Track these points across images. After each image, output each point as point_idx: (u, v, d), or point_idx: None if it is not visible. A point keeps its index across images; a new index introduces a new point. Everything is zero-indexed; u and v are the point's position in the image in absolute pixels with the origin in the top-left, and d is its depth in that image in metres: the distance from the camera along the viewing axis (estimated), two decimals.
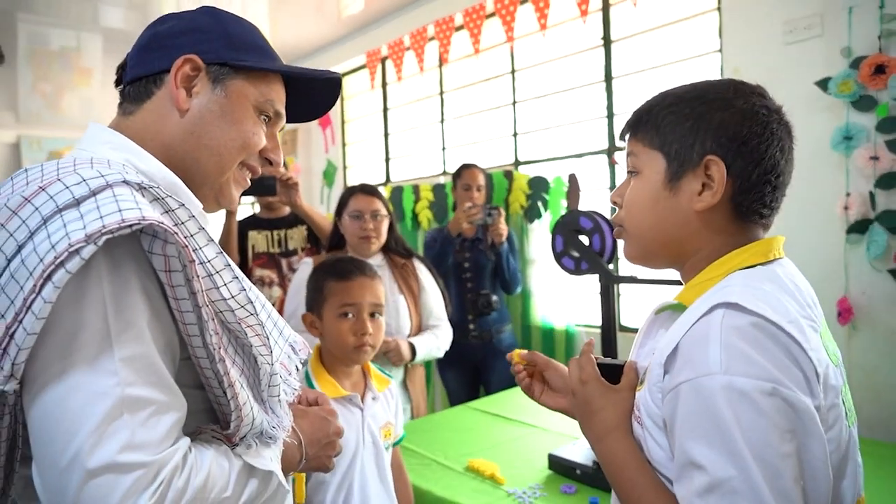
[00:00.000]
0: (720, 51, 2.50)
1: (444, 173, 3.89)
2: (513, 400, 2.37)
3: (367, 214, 2.05)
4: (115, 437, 0.57)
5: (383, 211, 2.10)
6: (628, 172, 0.80)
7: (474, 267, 2.83)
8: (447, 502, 1.51)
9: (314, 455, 0.89)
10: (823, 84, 2.10)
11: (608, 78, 2.97)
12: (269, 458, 0.75)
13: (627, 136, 0.81)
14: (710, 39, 2.59)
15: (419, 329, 2.14)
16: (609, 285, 1.69)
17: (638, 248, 0.80)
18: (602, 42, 2.99)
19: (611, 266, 1.70)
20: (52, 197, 0.60)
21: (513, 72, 3.46)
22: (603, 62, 2.99)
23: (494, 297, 2.74)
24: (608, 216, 1.76)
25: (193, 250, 0.65)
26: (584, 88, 3.11)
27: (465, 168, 2.90)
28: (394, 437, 1.45)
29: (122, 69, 0.81)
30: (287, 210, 2.65)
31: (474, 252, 2.84)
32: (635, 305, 2.80)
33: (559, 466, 1.62)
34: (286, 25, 4.24)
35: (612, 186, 2.96)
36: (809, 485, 0.61)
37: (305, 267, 2.15)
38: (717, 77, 2.46)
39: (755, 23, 2.34)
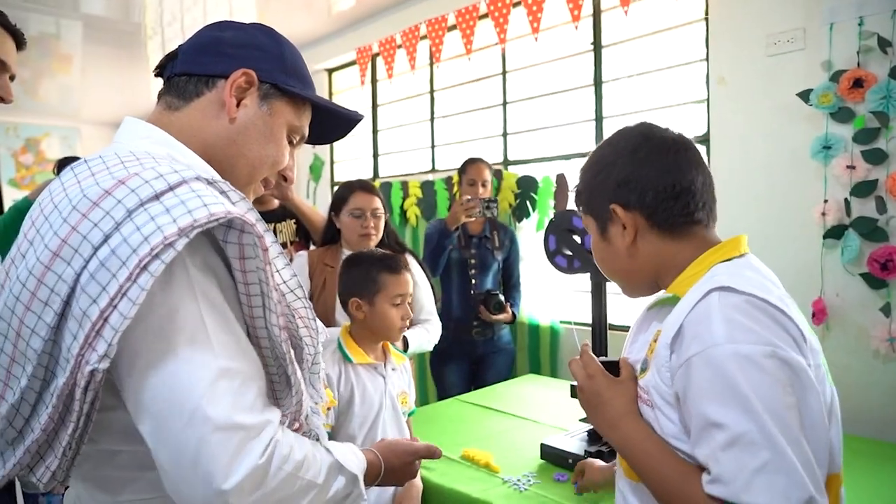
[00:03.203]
0: (706, 60, 2.59)
1: (433, 170, 3.94)
2: (502, 393, 2.44)
3: (368, 212, 2.10)
4: (222, 401, 0.64)
5: (382, 209, 2.15)
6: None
7: (480, 265, 2.87)
8: (445, 489, 1.57)
9: (394, 469, 0.95)
10: (804, 95, 2.20)
11: (597, 82, 3.05)
12: (355, 465, 0.82)
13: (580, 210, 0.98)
14: (696, 48, 2.68)
15: (410, 323, 2.19)
16: (600, 283, 1.76)
17: (623, 288, 0.96)
18: (592, 47, 3.07)
19: None
20: (133, 191, 0.65)
21: (504, 73, 3.52)
22: (593, 67, 3.06)
23: (502, 298, 2.79)
24: None
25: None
26: (573, 91, 3.18)
27: (471, 162, 2.90)
28: (408, 407, 1.66)
29: (170, 59, 0.84)
30: (276, 203, 2.67)
31: (481, 250, 2.88)
32: (622, 304, 2.89)
33: (551, 455, 1.69)
34: (275, 19, 4.24)
35: None
36: (809, 433, 0.70)
37: (299, 259, 2.21)
38: (702, 85, 2.57)
39: (740, 34, 2.43)
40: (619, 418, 0.84)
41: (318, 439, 0.83)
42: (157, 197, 0.65)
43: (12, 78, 1.33)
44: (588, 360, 0.91)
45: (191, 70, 0.81)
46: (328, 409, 1.48)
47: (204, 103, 0.81)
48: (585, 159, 0.96)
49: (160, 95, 0.84)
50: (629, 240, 0.87)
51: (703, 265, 0.83)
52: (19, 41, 1.31)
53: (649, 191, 0.85)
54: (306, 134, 0.90)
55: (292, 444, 0.71)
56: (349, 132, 0.98)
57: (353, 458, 0.83)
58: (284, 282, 0.76)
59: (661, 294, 0.88)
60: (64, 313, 0.64)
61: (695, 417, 0.73)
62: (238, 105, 0.80)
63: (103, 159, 0.71)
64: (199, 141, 0.80)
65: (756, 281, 0.77)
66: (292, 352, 0.74)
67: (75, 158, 2.16)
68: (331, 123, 0.94)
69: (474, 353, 2.88)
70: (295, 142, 0.88)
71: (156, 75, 0.86)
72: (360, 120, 0.95)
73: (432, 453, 1.02)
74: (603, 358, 0.92)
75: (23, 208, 1.81)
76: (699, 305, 0.76)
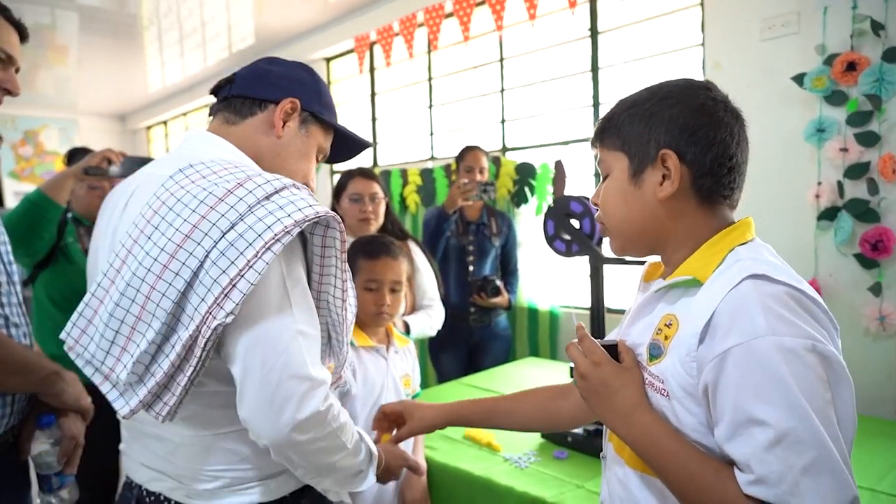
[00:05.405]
0: (702, 45, 2.61)
1: (432, 158, 3.96)
2: (503, 376, 2.48)
3: (367, 197, 2.13)
4: (297, 355, 0.84)
5: (381, 194, 2.18)
6: (603, 178, 0.88)
7: (478, 251, 2.89)
8: (449, 467, 1.62)
9: (389, 468, 1.17)
10: (799, 79, 2.23)
11: (594, 68, 3.07)
12: (373, 447, 1.04)
13: (597, 145, 0.88)
14: (692, 34, 2.70)
15: (413, 308, 2.22)
16: (598, 267, 1.80)
17: (618, 240, 0.87)
18: (589, 33, 3.08)
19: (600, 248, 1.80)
20: (251, 192, 0.83)
21: (501, 60, 3.53)
22: (590, 53, 3.08)
23: (499, 283, 2.82)
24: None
25: None
26: (570, 78, 3.20)
27: (469, 150, 2.91)
28: (412, 389, 1.69)
29: (227, 82, 1.03)
30: None
31: (479, 236, 2.90)
32: (620, 288, 2.93)
33: (551, 434, 1.73)
34: (272, 8, 4.23)
35: (597, 173, 3.07)
36: (841, 426, 0.68)
37: None
38: (698, 70, 2.59)
39: (735, 19, 2.45)
40: (633, 409, 0.78)
41: (348, 391, 1.05)
42: (268, 197, 0.84)
43: (17, 71, 1.36)
44: (591, 345, 0.83)
45: (247, 94, 1.01)
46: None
47: (256, 122, 1.00)
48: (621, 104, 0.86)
49: (217, 111, 1.04)
50: (667, 193, 0.79)
51: (721, 246, 0.78)
52: (22, 34, 1.33)
53: (711, 152, 0.78)
54: (328, 154, 1.10)
55: (340, 408, 0.90)
56: (356, 155, 1.17)
57: (371, 442, 1.02)
58: None
59: (678, 277, 0.79)
60: (191, 282, 0.80)
61: (730, 412, 0.68)
62: (283, 126, 1.00)
63: (206, 165, 0.89)
64: (253, 151, 0.99)
65: (784, 268, 0.74)
66: (347, 319, 0.97)
67: (85, 150, 2.19)
68: (344, 147, 1.13)
69: (471, 340, 2.91)
70: (319, 159, 1.08)
71: (210, 93, 1.06)
72: (368, 146, 1.16)
73: (416, 470, 1.26)
74: (601, 340, 0.85)
75: (35, 200, 1.84)
76: (733, 294, 0.70)
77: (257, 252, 0.79)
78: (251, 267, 0.79)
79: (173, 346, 0.81)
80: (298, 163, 1.03)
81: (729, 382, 0.68)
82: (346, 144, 1.13)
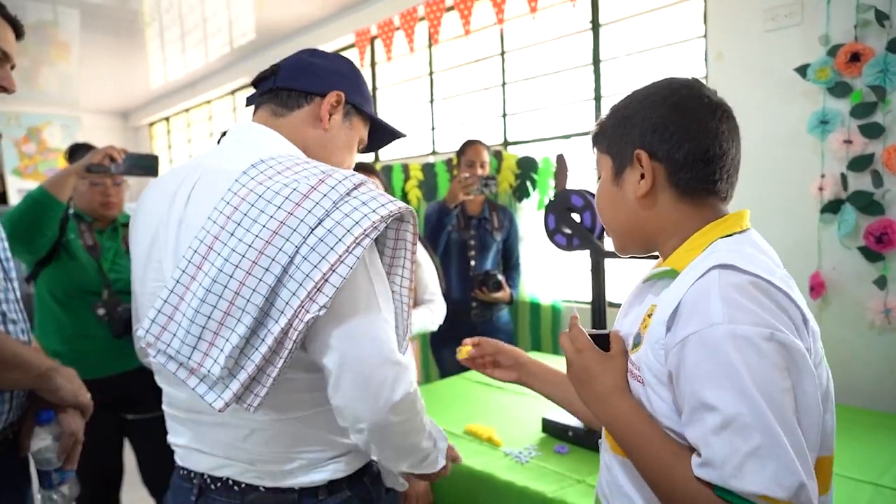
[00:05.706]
0: (704, 36, 2.59)
1: (434, 153, 3.95)
2: None
3: None
4: (386, 343, 0.87)
5: (381, 188, 2.18)
6: (597, 180, 0.93)
7: (480, 246, 2.88)
8: None
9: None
10: (802, 70, 2.21)
11: (596, 61, 3.05)
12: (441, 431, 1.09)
13: (594, 149, 0.92)
14: (695, 25, 2.67)
15: (414, 303, 2.22)
16: (599, 260, 1.79)
17: (617, 241, 0.91)
18: (590, 26, 3.06)
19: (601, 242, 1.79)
20: (333, 188, 0.86)
21: (502, 53, 3.51)
22: (591, 45, 3.06)
23: (501, 277, 2.81)
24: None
25: None
26: (572, 71, 3.18)
27: (470, 144, 2.90)
28: None
29: (272, 73, 1.04)
30: None
31: (480, 231, 2.89)
32: (620, 282, 2.92)
33: (552, 429, 1.73)
34: (272, 4, 4.22)
35: None
36: (803, 417, 0.69)
37: None
38: (700, 62, 2.57)
39: (738, 10, 2.43)
40: (609, 394, 0.82)
41: None
42: (349, 193, 0.86)
43: (12, 68, 1.35)
44: (577, 333, 0.88)
45: (293, 86, 1.02)
46: None
47: (303, 114, 1.02)
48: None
49: (261, 103, 1.05)
50: (643, 191, 0.83)
51: (705, 239, 0.80)
52: (18, 31, 1.33)
53: (683, 148, 0.80)
54: (366, 144, 1.13)
55: (420, 396, 0.94)
56: (387, 144, 1.20)
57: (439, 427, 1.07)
58: None
59: (660, 268, 0.83)
60: (280, 277, 0.82)
61: (687, 398, 0.71)
62: (329, 118, 1.02)
63: (278, 161, 0.91)
64: (301, 143, 1.01)
65: (758, 259, 0.74)
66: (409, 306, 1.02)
67: (86, 147, 2.19)
68: (377, 136, 1.16)
69: (473, 334, 2.87)
70: (359, 149, 1.11)
71: (252, 84, 1.08)
72: (403, 136, 1.18)
73: (457, 460, 1.25)
74: (592, 331, 0.89)
75: (38, 197, 1.84)
76: (699, 283, 0.73)
77: (348, 247, 0.82)
78: (343, 262, 0.82)
79: (263, 340, 0.83)
80: (343, 154, 1.05)
81: (687, 370, 0.71)
82: (378, 133, 1.15)
